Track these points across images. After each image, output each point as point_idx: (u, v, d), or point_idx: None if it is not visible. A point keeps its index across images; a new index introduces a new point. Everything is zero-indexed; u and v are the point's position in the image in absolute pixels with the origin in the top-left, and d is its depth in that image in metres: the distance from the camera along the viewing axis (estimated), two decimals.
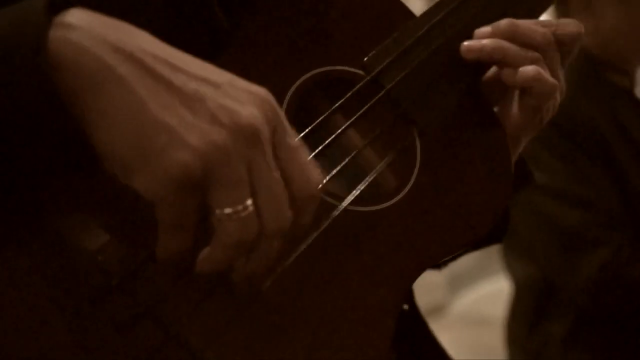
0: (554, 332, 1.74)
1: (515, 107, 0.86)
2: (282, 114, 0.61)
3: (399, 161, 0.79)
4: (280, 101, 0.73)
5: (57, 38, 0.57)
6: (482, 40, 0.84)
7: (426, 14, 0.86)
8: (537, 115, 0.86)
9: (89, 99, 0.57)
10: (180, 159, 0.57)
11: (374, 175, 0.77)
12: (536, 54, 0.84)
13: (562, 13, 1.76)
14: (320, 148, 0.74)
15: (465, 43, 0.84)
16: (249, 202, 0.59)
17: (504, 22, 0.84)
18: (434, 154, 0.81)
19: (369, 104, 0.78)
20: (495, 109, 0.87)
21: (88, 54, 0.57)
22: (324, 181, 0.71)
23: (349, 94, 0.77)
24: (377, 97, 0.79)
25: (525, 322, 1.80)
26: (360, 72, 0.80)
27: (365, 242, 0.75)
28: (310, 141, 0.74)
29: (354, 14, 0.84)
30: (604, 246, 1.65)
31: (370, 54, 0.80)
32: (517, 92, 0.85)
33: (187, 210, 0.59)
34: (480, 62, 0.84)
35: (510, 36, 0.83)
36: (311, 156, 0.70)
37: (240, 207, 0.58)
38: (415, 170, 0.79)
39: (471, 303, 2.98)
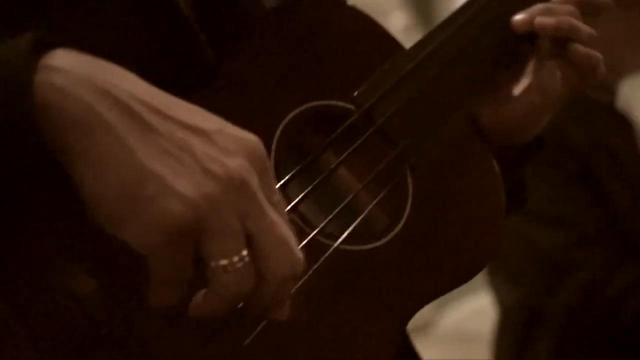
0: (539, 355, 1.74)
1: (556, 81, 0.89)
2: (270, 165, 0.61)
3: (391, 197, 0.78)
4: (270, 137, 0.74)
5: (42, 82, 0.56)
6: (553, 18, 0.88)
7: (416, 46, 0.86)
8: (575, 92, 0.91)
9: (75, 145, 0.57)
10: (170, 209, 0.56)
11: (366, 213, 0.76)
12: (593, 31, 0.89)
13: None
14: (309, 188, 0.74)
15: (538, 18, 0.88)
16: (245, 252, 0.58)
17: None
18: (426, 190, 0.80)
19: (359, 140, 0.78)
20: (527, 82, 0.90)
21: (74, 99, 0.56)
22: (320, 226, 0.73)
23: (339, 130, 0.77)
24: (368, 133, 0.78)
25: (512, 346, 1.80)
26: (351, 106, 0.79)
27: (360, 281, 0.74)
28: (302, 178, 0.75)
29: (343, 47, 0.83)
30: (583, 268, 1.66)
31: (360, 88, 0.80)
32: (556, 66, 0.88)
33: (180, 263, 0.57)
34: (471, 94, 0.87)
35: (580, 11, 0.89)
36: (301, 196, 0.73)
37: (235, 259, 0.57)
38: (408, 207, 0.79)
39: (457, 320, 3.00)
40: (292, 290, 0.66)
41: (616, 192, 1.73)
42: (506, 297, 1.81)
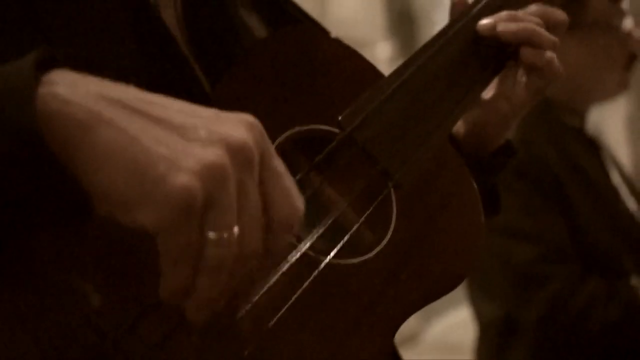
0: None
1: (519, 88, 0.93)
2: (268, 139, 0.61)
3: (376, 213, 0.79)
4: None
5: (44, 94, 0.57)
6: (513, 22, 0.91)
7: (396, 71, 0.87)
8: (538, 96, 0.93)
9: (79, 144, 0.57)
10: (180, 183, 0.55)
11: (354, 230, 0.77)
12: (556, 38, 0.92)
13: None
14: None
15: (501, 24, 0.91)
16: (236, 229, 0.58)
17: (533, 8, 0.93)
18: (409, 205, 0.81)
19: (344, 161, 0.79)
20: (493, 91, 0.94)
21: (74, 105, 0.57)
22: (308, 244, 0.73)
23: (324, 152, 0.78)
24: (350, 154, 0.80)
25: (490, 357, 1.82)
26: (336, 130, 0.80)
27: (348, 293, 0.74)
28: None
29: (328, 75, 0.85)
30: (552, 280, 1.67)
31: (344, 112, 0.81)
32: (521, 73, 0.93)
33: (191, 238, 0.57)
34: (450, 114, 0.88)
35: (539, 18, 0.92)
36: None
37: (226, 235, 0.57)
38: (393, 222, 0.80)
39: (443, 331, 2.98)
40: (290, 301, 0.67)
41: (584, 209, 1.76)
42: (484, 310, 1.83)
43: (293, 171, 0.74)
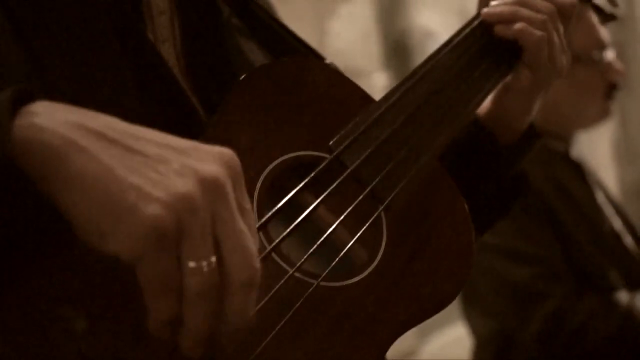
0: None
1: (523, 68, 0.95)
2: (242, 175, 0.61)
3: (366, 236, 0.79)
4: (254, 184, 0.75)
5: (21, 124, 0.58)
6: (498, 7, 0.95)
7: (385, 97, 0.88)
8: (539, 71, 0.95)
9: (55, 172, 0.57)
10: (151, 212, 0.55)
11: (345, 252, 0.77)
12: (544, 16, 0.94)
13: None
14: (290, 228, 0.74)
15: (485, 9, 0.95)
16: (213, 259, 0.57)
17: None
18: (399, 227, 0.82)
19: (333, 185, 0.79)
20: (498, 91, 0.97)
21: (50, 132, 0.57)
22: (299, 264, 0.73)
23: (313, 174, 0.78)
24: (341, 178, 0.80)
25: None
26: (326, 155, 0.81)
27: (341, 315, 0.74)
28: (285, 221, 0.75)
29: (322, 102, 0.85)
30: (549, 298, 1.70)
31: (334, 138, 0.82)
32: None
33: (166, 268, 0.57)
34: (438, 136, 0.88)
35: (521, 3, 0.95)
36: (284, 235, 0.73)
37: (204, 263, 0.57)
38: (383, 243, 0.80)
39: (439, 348, 2.96)
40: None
41: (575, 230, 1.80)
42: (480, 328, 1.85)
43: (286, 194, 0.76)
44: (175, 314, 0.58)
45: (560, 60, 0.97)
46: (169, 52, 0.85)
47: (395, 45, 2.85)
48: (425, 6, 2.94)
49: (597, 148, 3.63)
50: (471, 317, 1.89)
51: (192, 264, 0.56)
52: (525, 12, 0.95)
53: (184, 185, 0.57)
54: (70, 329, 0.62)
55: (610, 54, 1.93)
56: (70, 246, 0.60)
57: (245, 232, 0.59)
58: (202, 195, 0.57)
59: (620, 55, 2.00)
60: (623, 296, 1.77)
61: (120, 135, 0.58)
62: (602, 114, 1.97)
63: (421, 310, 0.78)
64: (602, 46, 1.91)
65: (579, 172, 1.95)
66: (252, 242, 0.59)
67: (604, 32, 1.91)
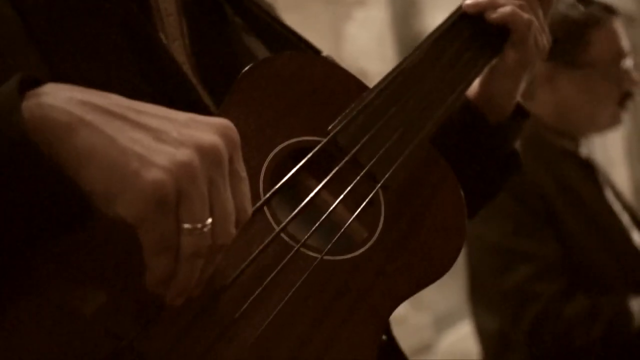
0: None
1: (509, 49, 1.00)
2: (239, 145, 0.64)
3: (366, 213, 0.82)
4: (259, 169, 0.78)
5: (30, 105, 0.61)
6: None
7: (377, 84, 0.91)
8: (526, 52, 1.00)
9: (65, 145, 0.60)
10: (152, 178, 0.58)
11: (345, 228, 0.79)
12: (522, 1, 0.99)
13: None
14: (298, 209, 0.77)
15: (467, 1, 1.00)
16: (209, 221, 0.61)
17: None
18: (397, 205, 0.84)
19: (336, 168, 0.82)
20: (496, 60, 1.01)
21: (58, 110, 0.60)
22: (304, 240, 0.76)
23: (311, 154, 0.81)
24: (343, 162, 0.83)
25: None
26: (324, 139, 0.84)
27: (343, 286, 0.77)
28: (289, 202, 0.78)
29: (321, 91, 0.87)
30: (540, 298, 1.72)
31: (333, 123, 0.85)
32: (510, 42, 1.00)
33: (168, 229, 0.60)
34: (431, 118, 0.91)
35: None
36: (292, 215, 0.76)
37: (199, 225, 0.60)
38: (381, 220, 0.83)
39: (455, 341, 2.95)
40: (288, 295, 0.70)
41: (576, 229, 1.81)
42: (483, 323, 1.89)
43: (292, 179, 0.78)
44: (172, 271, 0.62)
45: (542, 41, 1.02)
46: (179, 51, 0.87)
47: (410, 48, 2.89)
48: (439, 10, 2.98)
49: (610, 145, 3.62)
50: (476, 313, 1.92)
51: (188, 226, 0.60)
52: (502, 0, 1.00)
53: (184, 153, 0.60)
54: (92, 305, 0.64)
55: (628, 62, 1.94)
56: (87, 221, 0.62)
57: (230, 199, 0.62)
58: (201, 162, 0.60)
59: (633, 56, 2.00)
60: (616, 299, 1.77)
61: (123, 110, 0.61)
62: (614, 121, 1.99)
63: (416, 284, 0.81)
64: (622, 55, 1.92)
65: (587, 171, 1.96)
66: (233, 209, 0.62)
67: (626, 41, 1.93)
